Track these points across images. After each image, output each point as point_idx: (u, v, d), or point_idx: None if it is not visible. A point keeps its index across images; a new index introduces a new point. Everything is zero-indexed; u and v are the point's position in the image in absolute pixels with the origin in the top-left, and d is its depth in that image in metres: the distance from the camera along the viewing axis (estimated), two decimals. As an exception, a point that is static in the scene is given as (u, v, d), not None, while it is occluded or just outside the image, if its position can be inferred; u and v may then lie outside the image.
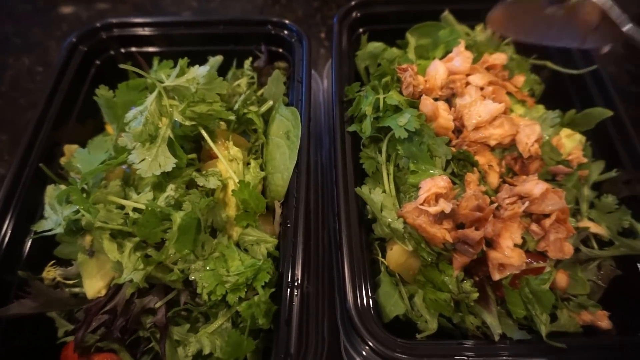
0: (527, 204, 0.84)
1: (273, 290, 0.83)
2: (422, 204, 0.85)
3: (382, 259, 0.92)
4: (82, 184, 0.86)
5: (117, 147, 0.91)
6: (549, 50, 1.16)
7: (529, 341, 0.82)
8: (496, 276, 0.84)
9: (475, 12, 1.19)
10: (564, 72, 1.11)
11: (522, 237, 0.86)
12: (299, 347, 0.76)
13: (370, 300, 0.81)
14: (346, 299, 0.80)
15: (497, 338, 0.82)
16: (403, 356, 0.75)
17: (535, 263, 0.87)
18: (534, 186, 0.85)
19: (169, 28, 1.20)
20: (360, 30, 1.22)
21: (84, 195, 0.86)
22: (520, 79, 1.04)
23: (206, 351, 0.78)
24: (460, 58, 1.05)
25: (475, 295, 0.84)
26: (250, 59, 1.20)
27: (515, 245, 0.84)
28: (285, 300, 0.80)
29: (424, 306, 0.87)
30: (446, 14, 1.19)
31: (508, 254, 0.83)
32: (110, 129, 1.12)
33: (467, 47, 1.07)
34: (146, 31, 1.20)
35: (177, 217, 0.80)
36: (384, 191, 0.92)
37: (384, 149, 0.95)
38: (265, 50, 1.21)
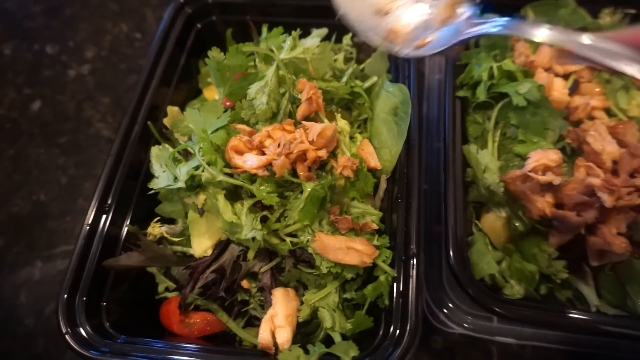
0: None
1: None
2: (530, 172, 0.84)
3: (476, 221, 0.93)
4: (200, 142, 0.86)
5: (237, 118, 0.91)
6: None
7: (627, 317, 0.81)
8: (594, 262, 0.82)
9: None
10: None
11: (628, 227, 0.81)
12: (415, 323, 0.74)
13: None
14: (449, 254, 0.82)
15: (593, 309, 0.82)
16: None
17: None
18: None
19: (273, -2, 1.20)
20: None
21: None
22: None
23: (327, 325, 0.79)
24: None
25: (564, 275, 0.83)
26: (351, 34, 1.19)
27: (619, 234, 0.80)
28: (400, 274, 0.78)
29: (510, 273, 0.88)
30: None
31: (610, 240, 0.79)
32: (209, 94, 1.13)
33: (591, 29, 1.03)
34: (249, -1, 1.20)
35: (308, 186, 0.79)
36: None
37: (493, 115, 0.96)
38: (366, 27, 1.19)
